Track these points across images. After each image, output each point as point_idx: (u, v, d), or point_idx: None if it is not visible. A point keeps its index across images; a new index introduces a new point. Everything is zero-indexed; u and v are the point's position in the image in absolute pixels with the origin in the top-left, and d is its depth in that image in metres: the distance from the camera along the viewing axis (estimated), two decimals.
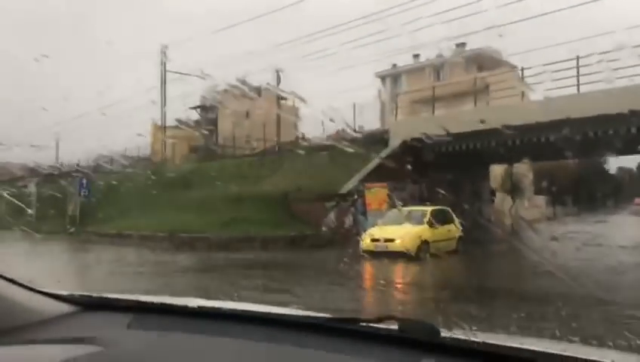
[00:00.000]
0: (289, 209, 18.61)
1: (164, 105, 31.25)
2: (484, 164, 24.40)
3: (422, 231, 13.64)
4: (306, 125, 28.79)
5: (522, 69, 19.25)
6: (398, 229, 13.37)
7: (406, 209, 14.99)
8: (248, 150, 31.18)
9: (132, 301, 1.72)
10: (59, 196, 24.54)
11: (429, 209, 14.70)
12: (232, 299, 1.83)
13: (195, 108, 42.30)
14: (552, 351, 1.15)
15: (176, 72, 31.09)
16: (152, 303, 1.70)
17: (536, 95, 18.50)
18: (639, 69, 18.03)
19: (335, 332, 1.36)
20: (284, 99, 34.62)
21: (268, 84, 32.84)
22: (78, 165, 35.16)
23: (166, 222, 17.93)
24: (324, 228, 17.27)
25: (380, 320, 1.32)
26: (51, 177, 27.56)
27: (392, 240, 12.98)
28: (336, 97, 49.36)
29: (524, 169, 31.89)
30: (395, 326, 1.26)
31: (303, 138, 28.85)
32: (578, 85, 17.09)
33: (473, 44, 31.40)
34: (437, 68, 36.84)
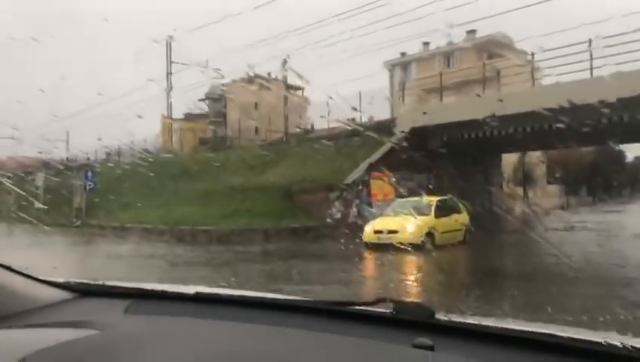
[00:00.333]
0: (292, 200, 18.24)
1: (170, 96, 30.98)
2: (495, 152, 23.89)
3: (427, 221, 13.15)
4: (315, 115, 28.47)
5: (533, 54, 18.64)
6: (402, 220, 12.89)
7: (411, 199, 14.51)
8: (258, 141, 30.88)
9: (129, 288, 1.74)
10: (66, 188, 24.71)
11: (434, 199, 14.23)
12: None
13: (203, 99, 42.07)
14: (542, 331, 1.15)
15: (181, 63, 30.74)
16: (150, 290, 1.71)
17: (547, 80, 17.93)
18: None
19: (331, 315, 1.38)
20: (293, 89, 34.36)
21: (276, 76, 32.60)
22: (88, 158, 35.40)
23: (168, 214, 17.81)
24: (328, 220, 16.83)
25: (375, 302, 1.34)
26: (60, 170, 27.80)
27: (395, 232, 12.51)
28: (345, 87, 48.72)
29: (536, 158, 31.26)
30: (390, 308, 1.28)
31: (312, 128, 28.61)
32: (591, 69, 16.49)
33: (484, 30, 30.76)
34: (447, 55, 36.14)
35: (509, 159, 27.54)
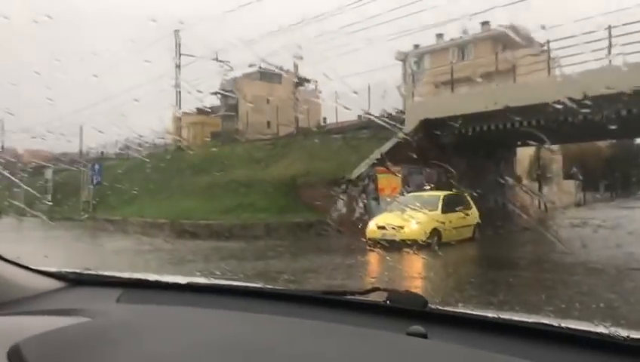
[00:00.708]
0: (296, 194, 17.74)
1: (179, 88, 30.74)
2: (510, 146, 23.17)
3: (434, 217, 12.56)
4: (327, 108, 28.02)
5: (548, 42, 17.86)
6: (407, 216, 12.32)
7: (417, 193, 13.96)
8: (270, 135, 30.48)
9: (122, 277, 1.74)
10: (75, 182, 24.88)
11: (442, 193, 13.65)
12: None
13: (215, 93, 41.87)
14: (533, 321, 1.16)
15: (190, 55, 30.45)
16: (142, 279, 1.72)
17: (564, 70, 17.20)
18: None
19: (326, 304, 1.39)
20: (304, 82, 33.89)
21: (287, 69, 32.14)
22: (102, 153, 35.56)
23: (170, 208, 17.50)
24: (332, 215, 16.30)
25: (369, 291, 1.39)
26: (71, 164, 28.09)
27: (399, 228, 11.94)
28: (356, 79, 48.02)
29: (552, 152, 30.40)
30: (384, 298, 1.31)
31: (324, 122, 28.19)
32: (609, 57, 15.72)
33: (498, 21, 29.95)
34: (461, 47, 35.38)
35: (524, 153, 26.77)
